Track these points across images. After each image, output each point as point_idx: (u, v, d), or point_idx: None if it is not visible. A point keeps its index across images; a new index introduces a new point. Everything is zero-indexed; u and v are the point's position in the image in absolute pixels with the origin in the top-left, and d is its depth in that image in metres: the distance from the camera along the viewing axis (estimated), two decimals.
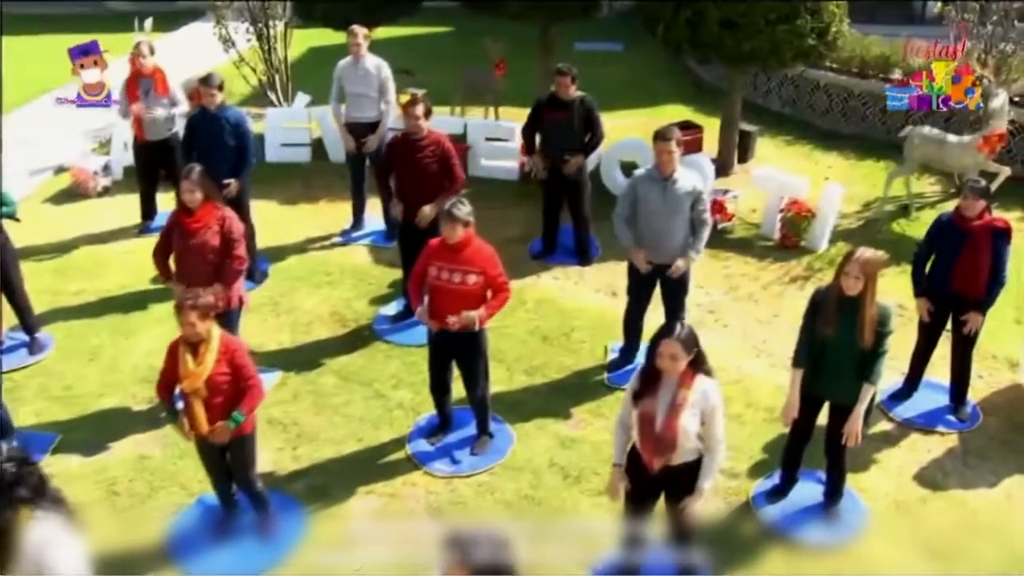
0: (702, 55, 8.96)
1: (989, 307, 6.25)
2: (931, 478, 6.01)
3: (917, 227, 8.87)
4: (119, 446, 6.23)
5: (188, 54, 13.35)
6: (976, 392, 6.80)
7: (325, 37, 12.22)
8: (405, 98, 9.94)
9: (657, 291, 6.76)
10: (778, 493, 5.79)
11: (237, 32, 11.43)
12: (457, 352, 5.94)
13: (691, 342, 4.38)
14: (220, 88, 7.63)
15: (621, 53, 15.13)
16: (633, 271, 6.78)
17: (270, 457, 6.18)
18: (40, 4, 17.15)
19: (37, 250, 8.69)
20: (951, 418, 6.54)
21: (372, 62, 8.46)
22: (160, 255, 6.31)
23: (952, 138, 8.87)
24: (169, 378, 5.12)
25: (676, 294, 6.75)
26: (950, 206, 8.75)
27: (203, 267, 6.14)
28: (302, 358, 7.18)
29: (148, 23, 9.93)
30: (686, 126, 9.40)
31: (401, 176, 7.09)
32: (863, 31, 11.93)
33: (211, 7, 11.29)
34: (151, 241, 8.35)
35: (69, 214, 9.56)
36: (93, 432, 6.37)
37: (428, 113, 7.05)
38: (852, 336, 5.07)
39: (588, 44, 14.70)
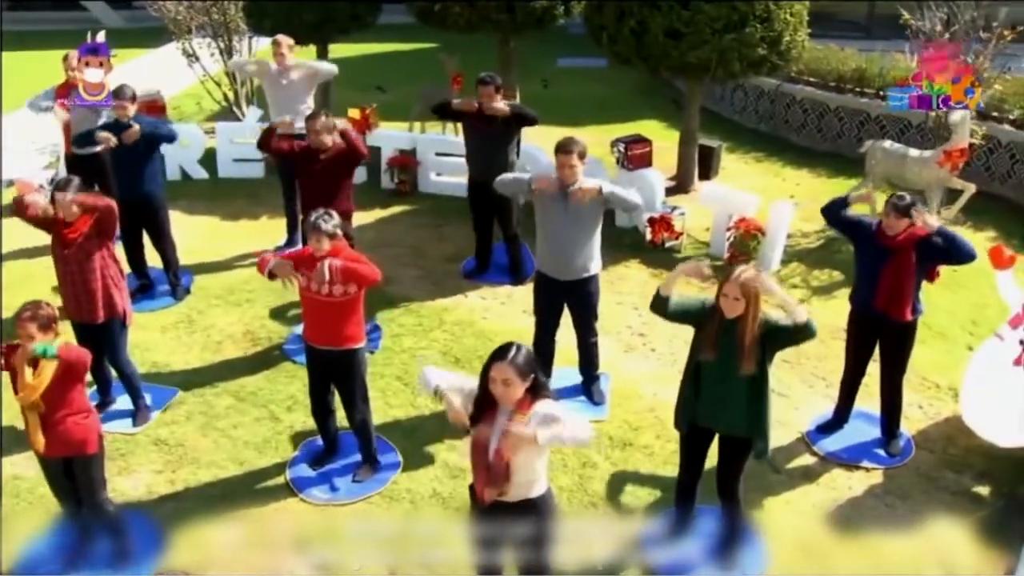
0: (649, 66, 8.58)
1: (934, 257, 5.70)
2: (845, 518, 5.54)
3: None
4: None
5: (169, 70, 13.32)
6: (913, 424, 6.33)
7: (306, 54, 12.10)
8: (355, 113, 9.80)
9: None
10: (671, 533, 5.35)
11: (201, 48, 11.30)
12: (333, 373, 5.64)
13: (528, 367, 3.98)
14: (132, 100, 7.45)
15: (604, 69, 14.77)
16: (538, 291, 6.42)
17: (146, 479, 5.91)
18: (27, 21, 17.32)
19: None
20: (880, 452, 6.06)
21: (297, 72, 8.24)
22: None
23: (913, 153, 8.38)
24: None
25: (583, 314, 6.38)
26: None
27: (84, 272, 5.90)
28: (204, 378, 6.89)
29: (100, 36, 9.76)
30: (636, 140, 9.02)
31: (305, 187, 6.86)
32: (860, 47, 11.55)
33: (172, 22, 11.15)
34: None
35: (8, 228, 9.40)
36: None
37: (328, 128, 6.76)
38: (735, 362, 4.67)
39: (571, 60, 14.41)
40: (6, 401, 5.19)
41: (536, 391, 4.04)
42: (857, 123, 10.54)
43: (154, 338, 7.42)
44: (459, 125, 10.46)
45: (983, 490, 5.76)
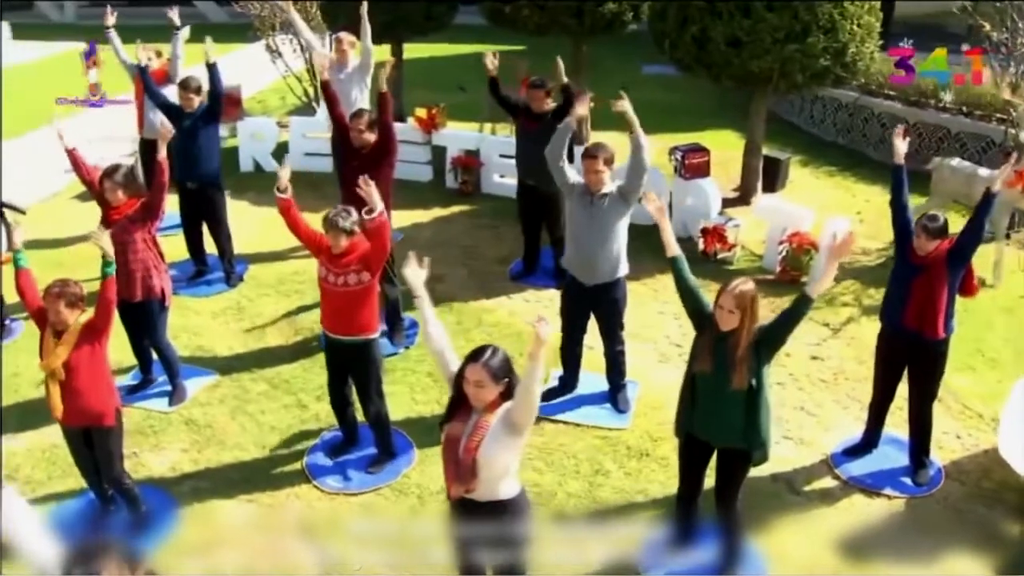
0: (711, 75, 8.44)
1: (964, 255, 5.50)
2: (857, 545, 5.33)
3: None
4: (35, 434, 6.28)
5: (259, 65, 13.73)
6: (948, 453, 6.06)
7: (381, 52, 12.33)
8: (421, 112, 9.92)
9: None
10: (668, 545, 5.26)
11: (284, 44, 11.67)
12: (349, 364, 5.77)
13: (501, 371, 3.98)
14: (197, 92, 7.78)
15: (687, 77, 14.57)
16: (565, 295, 6.43)
17: (172, 457, 6.16)
18: (140, 16, 18.13)
19: (45, 243, 9.06)
20: (906, 481, 5.81)
21: (352, 66, 8.46)
22: None
23: (983, 172, 8.00)
24: None
25: (609, 322, 6.34)
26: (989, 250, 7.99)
27: (124, 252, 6.18)
28: (243, 363, 7.14)
29: (185, 31, 10.19)
30: (695, 149, 8.88)
31: (343, 182, 7.02)
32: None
33: (258, 19, 11.55)
34: None
35: (87, 211, 9.90)
36: (20, 419, 6.46)
37: (372, 125, 6.87)
38: (729, 375, 4.57)
39: (655, 67, 14.23)
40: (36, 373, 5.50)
41: (510, 395, 4.04)
42: (936, 139, 10.13)
43: (204, 322, 7.72)
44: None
45: (1013, 528, 5.47)
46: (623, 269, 6.18)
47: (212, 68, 7.82)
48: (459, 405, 4.11)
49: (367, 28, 8.37)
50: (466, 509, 4.18)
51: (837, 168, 10.64)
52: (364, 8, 8.30)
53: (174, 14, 8.84)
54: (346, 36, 8.47)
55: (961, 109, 9.98)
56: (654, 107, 13.20)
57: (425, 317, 4.31)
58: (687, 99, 13.53)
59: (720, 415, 4.69)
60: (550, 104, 7.65)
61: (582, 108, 6.33)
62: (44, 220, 9.51)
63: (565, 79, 7.66)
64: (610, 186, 5.99)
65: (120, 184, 6.17)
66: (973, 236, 5.48)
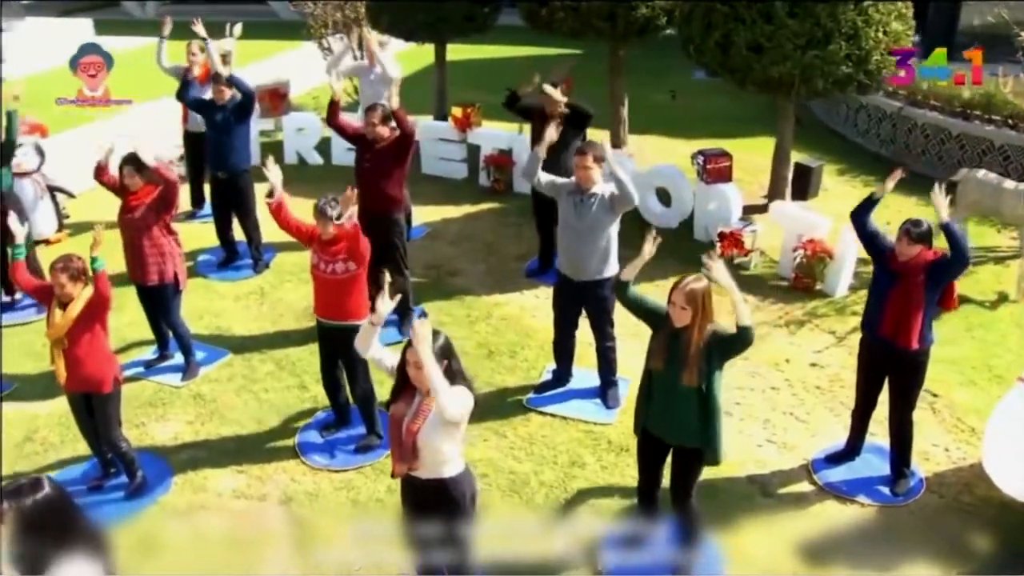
0: (735, 80, 8.45)
1: (946, 279, 5.54)
2: (819, 553, 5.33)
3: (967, 283, 7.91)
4: (57, 401, 6.66)
5: (318, 62, 14.15)
6: (932, 465, 6.00)
7: (425, 52, 12.60)
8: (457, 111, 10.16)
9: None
10: (629, 538, 5.35)
11: (335, 42, 12.05)
12: (338, 348, 6.01)
13: (440, 354, 4.17)
14: (228, 84, 8.15)
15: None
16: (556, 291, 6.56)
17: (175, 428, 6.51)
18: (220, 13, 18.84)
19: (89, 228, 9.57)
20: (883, 489, 5.77)
21: (380, 68, 8.73)
22: None
23: (1009, 185, 7.84)
24: None
25: (598, 318, 6.45)
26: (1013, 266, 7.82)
27: (140, 238, 6.56)
28: (256, 344, 7.48)
29: (237, 29, 10.58)
30: (718, 153, 8.88)
31: (360, 174, 7.24)
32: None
33: (312, 17, 11.94)
34: (193, 227, 9.00)
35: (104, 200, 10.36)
36: (47, 388, 6.85)
37: (386, 119, 7.11)
38: (681, 372, 4.65)
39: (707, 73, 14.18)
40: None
41: (450, 378, 4.20)
42: (979, 152, 9.89)
43: (227, 305, 8.10)
44: None
45: (985, 543, 5.39)
46: (612, 268, 6.27)
47: (230, 79, 8.15)
48: (403, 387, 4.31)
49: (378, 54, 8.69)
50: (411, 486, 4.38)
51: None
52: (370, 39, 8.62)
53: (198, 26, 9.08)
54: (372, 39, 8.75)
55: (1007, 121, 9.74)
56: (699, 112, 13.25)
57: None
58: (734, 104, 13.41)
59: (672, 412, 4.77)
60: (561, 108, 7.77)
61: (551, 132, 6.43)
62: (94, 205, 10.01)
63: (550, 89, 7.73)
64: (601, 187, 6.09)
65: (137, 171, 6.54)
66: (956, 266, 5.45)
